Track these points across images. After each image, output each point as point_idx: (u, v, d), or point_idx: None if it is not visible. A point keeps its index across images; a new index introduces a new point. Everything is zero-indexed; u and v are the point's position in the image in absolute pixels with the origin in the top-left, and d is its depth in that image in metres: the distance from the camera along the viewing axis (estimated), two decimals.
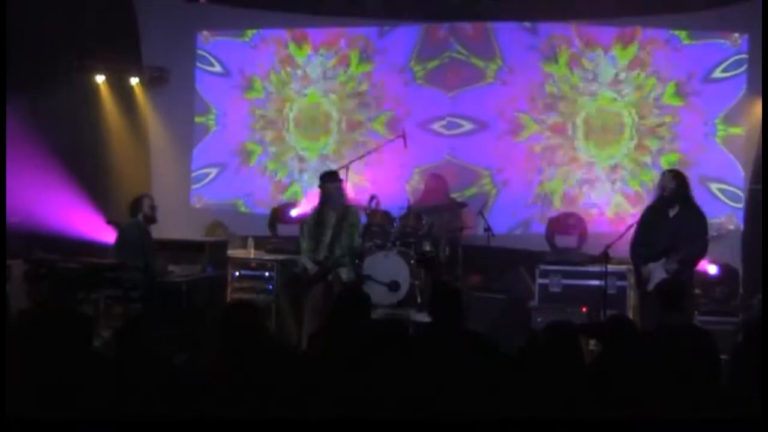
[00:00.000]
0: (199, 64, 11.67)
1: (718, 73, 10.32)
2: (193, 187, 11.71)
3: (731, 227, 9.90)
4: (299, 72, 11.42)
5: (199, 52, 11.65)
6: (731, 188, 10.22)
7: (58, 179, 10.56)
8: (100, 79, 11.30)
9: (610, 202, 10.56)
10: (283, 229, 10.71)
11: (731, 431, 3.67)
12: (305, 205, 10.84)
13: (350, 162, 9.67)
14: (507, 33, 10.86)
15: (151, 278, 8.26)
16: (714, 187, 10.23)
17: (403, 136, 9.94)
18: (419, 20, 11.17)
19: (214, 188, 11.66)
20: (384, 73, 11.18)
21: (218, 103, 11.66)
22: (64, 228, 10.19)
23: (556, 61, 10.69)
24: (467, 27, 10.99)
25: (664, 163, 10.34)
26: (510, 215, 10.76)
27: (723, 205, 10.18)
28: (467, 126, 10.93)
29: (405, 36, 11.14)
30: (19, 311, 5.92)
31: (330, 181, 8.33)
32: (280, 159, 11.50)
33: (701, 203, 8.03)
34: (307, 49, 11.39)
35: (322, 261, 8.19)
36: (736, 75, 10.25)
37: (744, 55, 10.21)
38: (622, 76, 10.55)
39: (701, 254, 7.68)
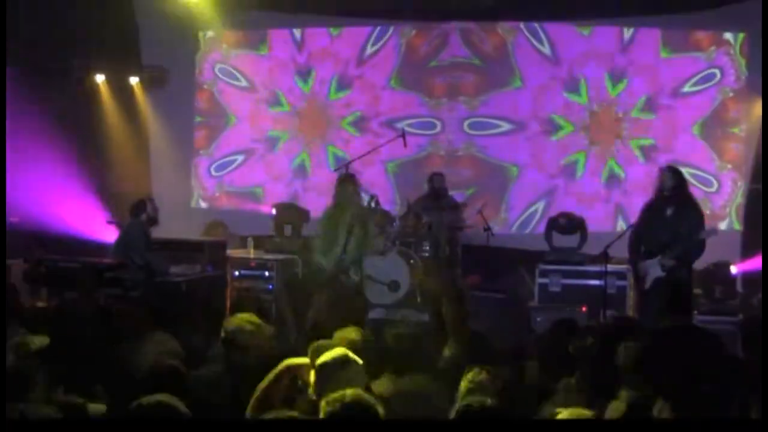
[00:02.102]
0: (221, 77, 11.70)
1: (687, 87, 10.50)
2: (216, 174, 11.73)
3: (721, 227, 9.98)
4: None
5: (222, 65, 11.68)
6: (702, 173, 10.41)
7: (58, 179, 10.58)
8: (100, 79, 11.31)
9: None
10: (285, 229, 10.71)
11: (731, 431, 3.67)
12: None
13: (350, 162, 9.66)
14: (527, 60, 10.95)
15: (151, 278, 8.26)
16: (685, 171, 10.31)
17: (403, 135, 9.94)
18: (419, 20, 11.19)
19: (237, 176, 11.73)
20: (360, 91, 11.42)
21: (240, 111, 11.72)
22: (65, 228, 10.19)
23: (579, 94, 10.81)
24: (486, 47, 11.06)
25: (635, 146, 10.54)
26: (533, 189, 10.97)
27: (695, 190, 10.26)
28: (504, 126, 11.07)
29: (385, 59, 11.28)
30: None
31: (345, 183, 8.26)
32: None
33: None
34: (311, 78, 11.58)
35: (336, 262, 8.12)
36: (706, 88, 10.44)
37: (715, 69, 10.36)
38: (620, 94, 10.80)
39: (698, 252, 7.68)
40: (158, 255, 8.65)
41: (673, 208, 7.66)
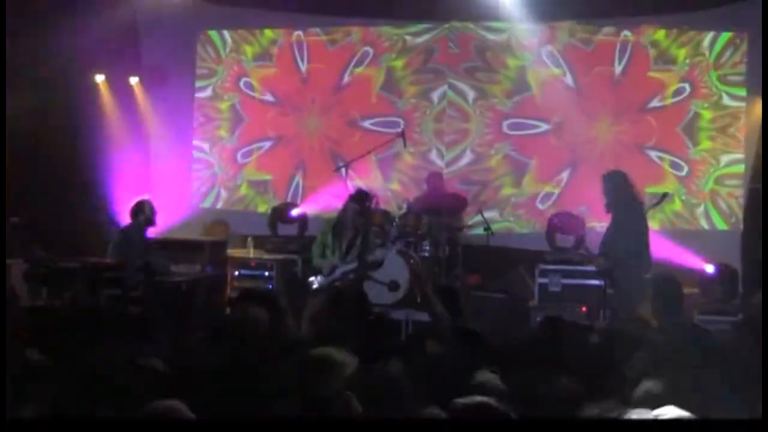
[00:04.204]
0: (245, 90, 11.70)
1: (657, 102, 10.60)
2: (242, 162, 11.75)
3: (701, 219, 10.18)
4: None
5: (246, 79, 11.69)
6: (673, 157, 10.53)
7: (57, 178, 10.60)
8: (100, 79, 11.30)
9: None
10: (283, 229, 10.72)
11: (731, 431, 3.67)
12: (306, 205, 10.91)
13: (350, 162, 9.68)
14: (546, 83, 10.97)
15: (150, 278, 8.27)
16: (654, 155, 10.60)
17: (403, 135, 9.96)
18: (420, 20, 11.22)
19: (260, 164, 11.73)
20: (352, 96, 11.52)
21: (256, 116, 11.76)
22: (64, 227, 10.19)
23: (598, 120, 10.88)
24: (501, 66, 11.11)
25: (604, 128, 10.72)
26: (556, 162, 10.94)
27: (666, 174, 10.55)
28: (541, 127, 11.03)
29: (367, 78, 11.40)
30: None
31: (357, 201, 8.32)
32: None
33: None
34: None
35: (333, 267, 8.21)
36: (678, 101, 10.54)
37: (685, 84, 10.47)
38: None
39: (605, 262, 7.89)
40: (157, 256, 8.66)
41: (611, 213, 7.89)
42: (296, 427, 3.53)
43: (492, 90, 11.12)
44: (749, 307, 8.80)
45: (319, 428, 3.57)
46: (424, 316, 8.30)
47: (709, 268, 9.42)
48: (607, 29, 10.77)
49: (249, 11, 11.56)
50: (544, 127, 10.99)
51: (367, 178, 10.77)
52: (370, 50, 11.40)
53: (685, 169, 10.56)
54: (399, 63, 11.36)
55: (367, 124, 11.43)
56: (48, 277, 8.03)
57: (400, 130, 10.18)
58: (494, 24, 11.00)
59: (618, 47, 10.73)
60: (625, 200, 7.78)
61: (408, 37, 11.33)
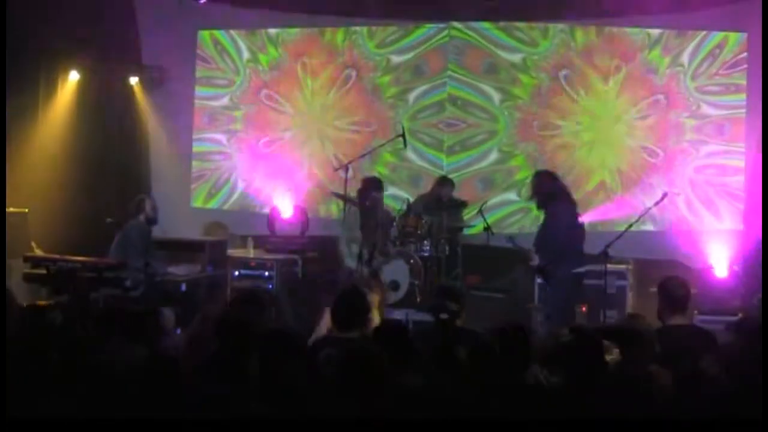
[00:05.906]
0: (266, 102, 11.70)
1: (634, 113, 10.67)
2: (266, 150, 11.75)
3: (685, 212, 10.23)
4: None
5: (266, 91, 11.69)
6: (651, 147, 10.60)
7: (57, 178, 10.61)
8: (100, 78, 11.29)
9: None
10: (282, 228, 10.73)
11: (731, 431, 3.68)
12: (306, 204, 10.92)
13: (350, 161, 9.68)
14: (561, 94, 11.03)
15: (151, 278, 8.26)
16: (642, 150, 10.67)
17: (403, 135, 9.96)
18: (419, 20, 11.22)
19: (279, 155, 11.74)
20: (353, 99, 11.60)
21: (265, 118, 11.80)
22: (64, 227, 10.20)
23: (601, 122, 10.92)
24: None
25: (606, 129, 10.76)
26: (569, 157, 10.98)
27: (642, 161, 10.62)
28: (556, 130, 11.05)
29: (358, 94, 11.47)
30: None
31: (379, 190, 8.37)
32: None
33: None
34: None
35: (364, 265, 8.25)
36: (661, 108, 10.57)
37: (660, 96, 10.52)
38: None
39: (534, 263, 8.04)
40: (157, 256, 8.64)
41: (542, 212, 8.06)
42: (294, 427, 3.53)
43: (516, 92, 11.13)
44: (749, 307, 8.81)
45: (318, 427, 3.57)
46: (424, 316, 8.32)
47: (711, 268, 9.41)
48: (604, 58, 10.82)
49: (249, 11, 11.56)
50: (559, 130, 11.01)
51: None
52: (353, 73, 11.46)
53: (660, 155, 10.58)
54: (385, 79, 11.43)
55: (347, 124, 11.50)
56: (48, 277, 8.02)
57: (400, 131, 10.18)
58: (507, 41, 11.07)
59: (615, 60, 10.76)
60: (555, 197, 7.86)
61: (392, 56, 11.37)
